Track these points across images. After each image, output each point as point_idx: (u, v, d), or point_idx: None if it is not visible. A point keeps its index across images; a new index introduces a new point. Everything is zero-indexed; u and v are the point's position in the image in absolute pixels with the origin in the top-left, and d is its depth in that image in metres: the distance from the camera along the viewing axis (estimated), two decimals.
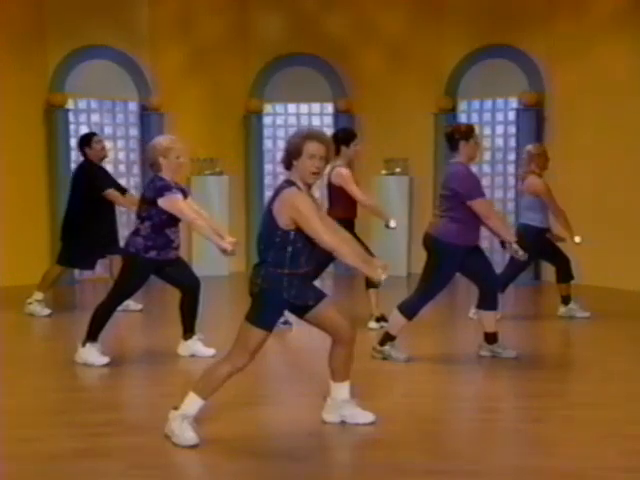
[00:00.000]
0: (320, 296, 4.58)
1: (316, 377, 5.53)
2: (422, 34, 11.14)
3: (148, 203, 6.05)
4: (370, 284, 7.51)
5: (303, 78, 11.60)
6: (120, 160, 10.90)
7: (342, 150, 7.27)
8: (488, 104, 11.04)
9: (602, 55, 9.78)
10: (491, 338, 6.43)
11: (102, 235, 8.08)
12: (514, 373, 6.10)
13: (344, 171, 7.29)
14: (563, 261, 8.05)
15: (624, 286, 9.51)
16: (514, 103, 10.68)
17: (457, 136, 6.20)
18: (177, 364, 6.38)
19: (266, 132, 11.82)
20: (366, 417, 4.78)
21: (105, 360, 6.19)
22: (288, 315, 6.24)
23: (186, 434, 4.39)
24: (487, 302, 6.38)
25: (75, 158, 10.23)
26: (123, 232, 8.52)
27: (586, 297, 8.41)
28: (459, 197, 6.10)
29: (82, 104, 10.66)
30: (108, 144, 8.39)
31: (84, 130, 10.23)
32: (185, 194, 6.27)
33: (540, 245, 7.81)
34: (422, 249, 6.33)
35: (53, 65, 10.27)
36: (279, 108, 11.89)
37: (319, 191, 8.37)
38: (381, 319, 7.40)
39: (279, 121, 11.92)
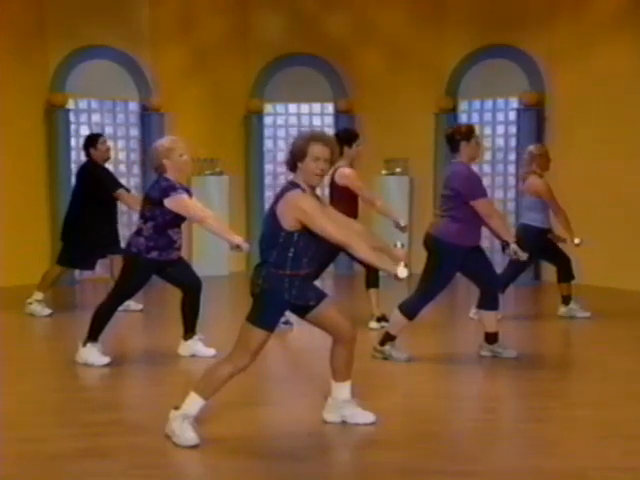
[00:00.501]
0: (321, 296, 4.59)
1: (317, 377, 5.54)
2: (423, 34, 11.15)
3: (153, 203, 6.04)
4: (370, 284, 7.51)
5: (304, 78, 11.60)
6: (120, 160, 10.88)
7: (345, 150, 7.24)
8: (489, 104, 11.04)
9: (602, 55, 9.78)
10: (492, 338, 6.43)
11: (103, 235, 8.07)
12: (514, 373, 6.10)
13: (349, 171, 7.26)
14: (564, 261, 8.06)
15: (625, 286, 9.51)
16: (515, 103, 10.68)
17: (458, 137, 6.19)
18: (178, 364, 6.38)
19: (267, 132, 11.83)
20: (366, 417, 4.78)
21: (106, 360, 6.19)
22: (289, 315, 6.24)
23: (187, 434, 4.39)
24: (488, 302, 6.38)
25: (75, 158, 10.26)
26: (124, 232, 8.53)
27: (587, 297, 8.40)
28: (461, 197, 6.10)
29: (83, 104, 10.66)
30: (108, 144, 8.38)
31: (85, 130, 10.25)
32: (189, 195, 6.25)
33: (541, 245, 7.82)
34: (422, 249, 6.33)
35: (54, 65, 10.26)
36: (280, 108, 11.89)
37: (320, 192, 8.34)
38: (382, 319, 7.40)
39: (280, 121, 11.92)
